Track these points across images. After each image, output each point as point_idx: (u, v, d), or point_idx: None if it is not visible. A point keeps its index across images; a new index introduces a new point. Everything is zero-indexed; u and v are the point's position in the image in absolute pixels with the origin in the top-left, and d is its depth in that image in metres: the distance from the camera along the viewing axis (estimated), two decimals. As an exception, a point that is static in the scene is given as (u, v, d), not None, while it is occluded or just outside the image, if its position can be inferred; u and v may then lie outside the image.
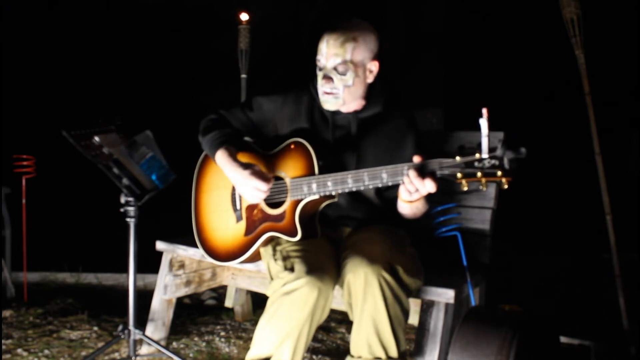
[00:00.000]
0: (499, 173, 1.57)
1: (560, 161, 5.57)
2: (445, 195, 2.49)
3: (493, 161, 1.58)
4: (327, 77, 2.05)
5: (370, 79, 2.10)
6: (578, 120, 3.05)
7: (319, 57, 2.07)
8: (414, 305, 2.16)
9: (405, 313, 1.91)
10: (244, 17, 3.61)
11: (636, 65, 5.24)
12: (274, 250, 2.06)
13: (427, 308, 2.06)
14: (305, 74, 2.18)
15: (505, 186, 1.60)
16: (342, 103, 2.08)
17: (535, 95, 6.07)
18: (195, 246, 2.39)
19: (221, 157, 2.12)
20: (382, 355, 1.85)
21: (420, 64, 5.35)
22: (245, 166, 2.06)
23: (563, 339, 2.55)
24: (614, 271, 2.62)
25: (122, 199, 2.23)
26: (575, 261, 4.18)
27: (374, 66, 2.09)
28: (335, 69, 2.03)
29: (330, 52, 2.02)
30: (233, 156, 2.11)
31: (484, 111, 1.57)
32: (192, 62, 5.77)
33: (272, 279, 2.01)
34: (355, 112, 2.13)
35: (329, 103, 2.09)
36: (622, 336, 2.58)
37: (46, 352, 2.60)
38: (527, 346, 1.73)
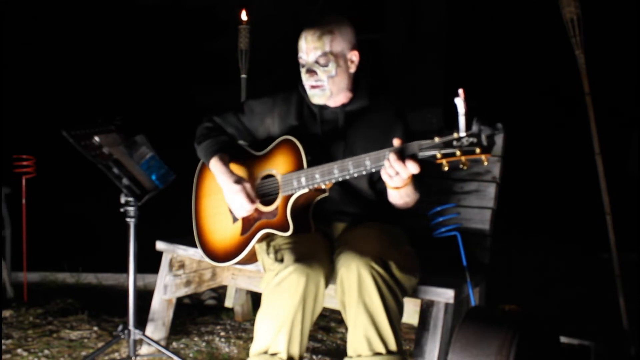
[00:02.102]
0: (478, 150, 1.60)
1: (560, 161, 5.57)
2: (445, 195, 2.50)
3: (471, 139, 1.60)
4: (311, 71, 2.11)
5: (352, 69, 2.16)
6: (578, 120, 3.05)
7: (300, 54, 2.13)
8: (414, 305, 2.16)
9: (400, 308, 1.91)
10: (244, 16, 3.60)
11: (636, 65, 5.24)
12: (268, 245, 2.09)
13: (427, 308, 2.06)
14: (299, 74, 2.21)
15: (486, 163, 1.62)
16: (329, 95, 2.13)
17: (535, 95, 6.07)
18: (196, 246, 2.39)
19: (215, 165, 2.19)
20: (382, 349, 1.84)
21: (420, 63, 5.35)
22: (236, 180, 2.12)
23: (563, 339, 2.55)
24: (614, 271, 2.62)
25: (122, 199, 2.24)
26: (575, 261, 4.18)
27: (355, 56, 2.15)
28: (317, 62, 2.09)
29: (309, 47, 2.09)
30: (226, 165, 2.18)
31: (460, 91, 1.59)
32: (192, 62, 5.77)
33: (265, 272, 2.03)
34: (343, 106, 2.18)
35: (316, 96, 2.13)
36: (622, 336, 2.58)
37: (46, 352, 2.60)
38: (527, 346, 1.73)
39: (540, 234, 4.60)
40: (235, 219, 2.23)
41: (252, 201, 2.12)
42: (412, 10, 5.38)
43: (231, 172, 2.16)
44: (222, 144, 2.23)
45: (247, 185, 2.13)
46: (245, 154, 2.27)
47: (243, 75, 3.72)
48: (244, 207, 2.12)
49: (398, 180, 1.81)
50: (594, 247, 3.92)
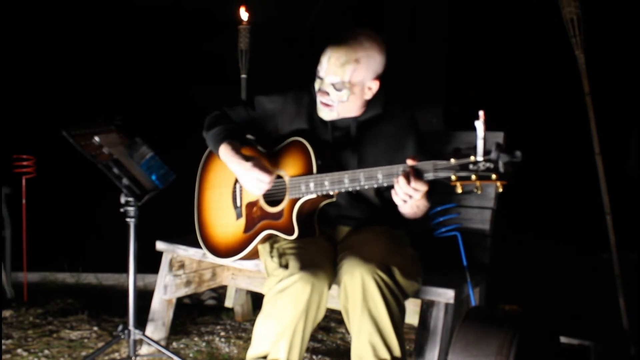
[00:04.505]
0: (494, 176, 1.56)
1: (560, 161, 5.58)
2: (445, 195, 2.49)
3: (488, 164, 1.57)
4: (324, 91, 2.06)
5: (367, 96, 2.09)
6: (578, 120, 3.05)
7: (319, 67, 2.07)
8: (414, 305, 2.16)
9: (403, 313, 1.91)
10: (244, 15, 3.60)
11: (636, 65, 5.24)
12: (271, 247, 2.07)
13: (427, 308, 2.06)
14: (304, 74, 2.19)
15: (500, 189, 1.59)
16: (336, 115, 2.10)
17: (535, 95, 6.07)
18: (196, 246, 2.39)
19: (225, 150, 2.12)
20: (387, 356, 1.84)
21: (420, 63, 5.35)
22: (247, 158, 2.07)
23: (563, 339, 2.55)
24: (614, 271, 2.62)
25: (122, 199, 2.23)
26: (575, 261, 4.18)
27: (374, 85, 2.07)
28: (332, 84, 2.04)
29: (329, 70, 2.02)
30: (236, 149, 2.11)
31: (481, 113, 1.56)
32: (192, 62, 5.78)
33: (268, 276, 2.02)
34: (355, 117, 2.14)
35: (324, 112, 2.11)
36: (622, 336, 2.58)
37: (46, 352, 2.60)
38: (527, 346, 1.73)
39: (541, 233, 4.60)
40: (239, 216, 2.22)
41: (269, 173, 2.04)
42: (412, 10, 5.38)
43: (242, 154, 2.09)
44: (232, 131, 2.17)
45: (259, 161, 2.06)
46: (254, 149, 2.23)
47: (243, 75, 3.71)
48: (262, 180, 2.03)
49: (411, 203, 1.80)
50: (594, 247, 3.92)
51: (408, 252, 2.03)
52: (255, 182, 2.05)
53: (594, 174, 2.65)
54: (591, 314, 3.14)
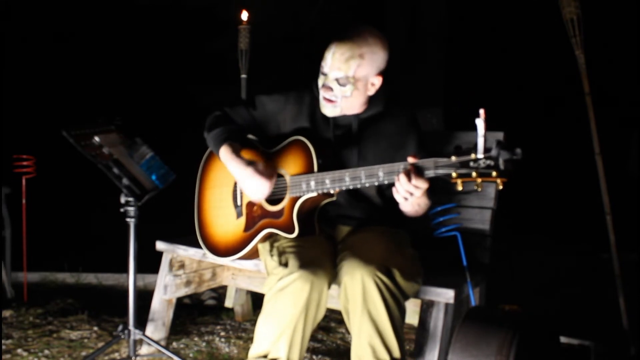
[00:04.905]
0: (494, 173, 1.57)
1: (560, 161, 5.58)
2: (445, 195, 2.50)
3: (488, 162, 1.58)
4: (327, 87, 2.06)
5: (371, 91, 2.10)
6: (578, 120, 3.05)
7: (323, 63, 2.07)
8: (414, 305, 2.16)
9: (403, 314, 1.92)
10: (244, 16, 3.60)
11: (636, 65, 5.25)
12: (271, 246, 2.08)
13: (427, 308, 2.06)
14: (305, 73, 2.19)
15: (500, 187, 1.60)
16: (339, 111, 2.10)
17: (535, 95, 6.07)
18: (196, 246, 2.39)
19: (225, 153, 2.12)
20: (386, 357, 1.85)
21: (420, 63, 5.35)
22: (248, 163, 2.07)
23: (563, 339, 2.55)
24: (614, 271, 2.62)
25: (122, 199, 2.24)
26: (575, 261, 4.18)
27: (377, 80, 2.08)
28: (336, 79, 2.04)
29: (334, 65, 2.02)
30: (237, 152, 2.11)
31: (481, 112, 1.57)
32: (192, 62, 5.78)
33: (268, 275, 2.03)
34: (357, 114, 2.15)
35: (327, 109, 2.11)
36: (622, 336, 2.59)
37: (46, 352, 2.60)
38: (527, 346, 1.73)
39: (541, 233, 4.61)
40: (239, 215, 2.22)
41: (270, 179, 2.05)
42: (412, 10, 5.38)
43: (242, 158, 2.09)
44: (233, 133, 2.17)
45: (260, 165, 2.07)
46: (255, 149, 2.23)
47: (243, 75, 3.72)
48: (262, 188, 2.05)
49: (412, 200, 1.80)
50: (594, 247, 3.93)
51: (408, 253, 2.03)
52: (254, 190, 2.07)
53: (594, 174, 2.65)
54: (591, 314, 3.14)
